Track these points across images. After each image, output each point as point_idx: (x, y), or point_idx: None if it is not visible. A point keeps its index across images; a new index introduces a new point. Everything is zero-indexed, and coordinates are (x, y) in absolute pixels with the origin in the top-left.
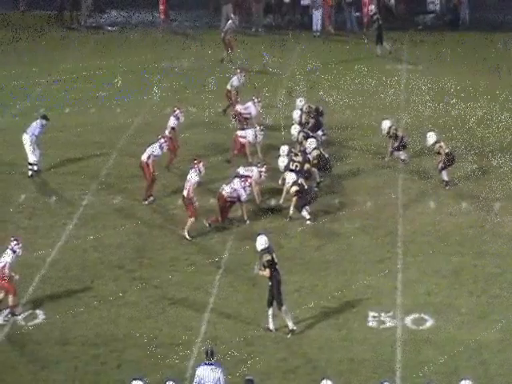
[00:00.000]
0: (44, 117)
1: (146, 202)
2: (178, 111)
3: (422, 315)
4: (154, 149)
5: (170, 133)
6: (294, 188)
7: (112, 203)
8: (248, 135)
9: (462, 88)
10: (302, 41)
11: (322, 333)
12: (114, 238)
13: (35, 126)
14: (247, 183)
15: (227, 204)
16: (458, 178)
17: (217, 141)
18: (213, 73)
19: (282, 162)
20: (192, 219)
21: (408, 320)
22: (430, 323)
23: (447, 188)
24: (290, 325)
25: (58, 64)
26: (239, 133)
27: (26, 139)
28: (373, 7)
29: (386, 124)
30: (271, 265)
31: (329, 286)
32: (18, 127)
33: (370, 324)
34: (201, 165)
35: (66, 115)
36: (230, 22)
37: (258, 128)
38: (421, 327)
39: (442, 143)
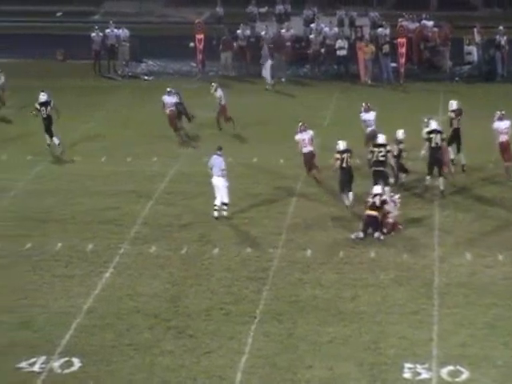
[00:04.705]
0: None
1: None
2: None
3: (458, 367)
4: None
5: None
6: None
7: (148, 252)
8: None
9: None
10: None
11: None
12: (149, 286)
13: None
14: None
15: None
16: (492, 231)
17: None
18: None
19: None
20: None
21: (443, 372)
22: (465, 375)
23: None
24: None
25: (94, 112)
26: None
27: None
28: None
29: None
30: None
31: (363, 337)
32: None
33: (406, 375)
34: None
35: (103, 164)
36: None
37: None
38: (456, 379)
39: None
